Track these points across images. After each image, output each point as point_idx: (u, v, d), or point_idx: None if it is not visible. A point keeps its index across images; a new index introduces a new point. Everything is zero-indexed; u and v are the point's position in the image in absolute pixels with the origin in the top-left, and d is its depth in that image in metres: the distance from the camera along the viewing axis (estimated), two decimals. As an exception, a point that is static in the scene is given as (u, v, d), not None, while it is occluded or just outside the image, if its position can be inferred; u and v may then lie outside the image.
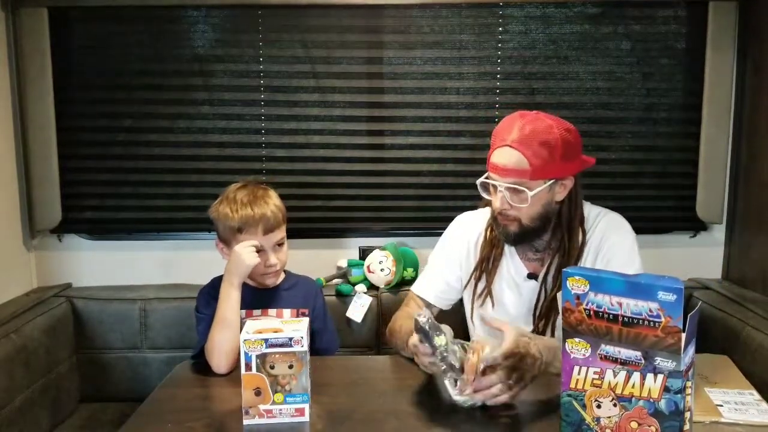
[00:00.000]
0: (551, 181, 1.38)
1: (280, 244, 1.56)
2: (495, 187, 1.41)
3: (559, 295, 1.41)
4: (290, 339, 1.13)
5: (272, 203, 1.54)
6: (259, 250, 1.50)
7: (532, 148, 1.34)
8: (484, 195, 1.44)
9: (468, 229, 1.62)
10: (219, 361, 1.39)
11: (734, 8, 2.01)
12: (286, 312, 1.59)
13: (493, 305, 1.55)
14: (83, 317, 2.02)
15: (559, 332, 1.42)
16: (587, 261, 1.48)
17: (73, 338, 2.01)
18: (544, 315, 1.48)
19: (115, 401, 2.00)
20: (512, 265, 1.54)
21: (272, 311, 1.59)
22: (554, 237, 1.48)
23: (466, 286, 1.60)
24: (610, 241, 1.47)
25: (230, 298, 1.45)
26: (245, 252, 1.45)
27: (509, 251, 1.55)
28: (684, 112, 2.12)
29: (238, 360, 1.28)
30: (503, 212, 1.42)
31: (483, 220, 1.59)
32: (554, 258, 1.48)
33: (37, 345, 1.82)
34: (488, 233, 1.56)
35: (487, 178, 1.42)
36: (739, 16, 2.01)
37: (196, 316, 1.54)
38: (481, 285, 1.56)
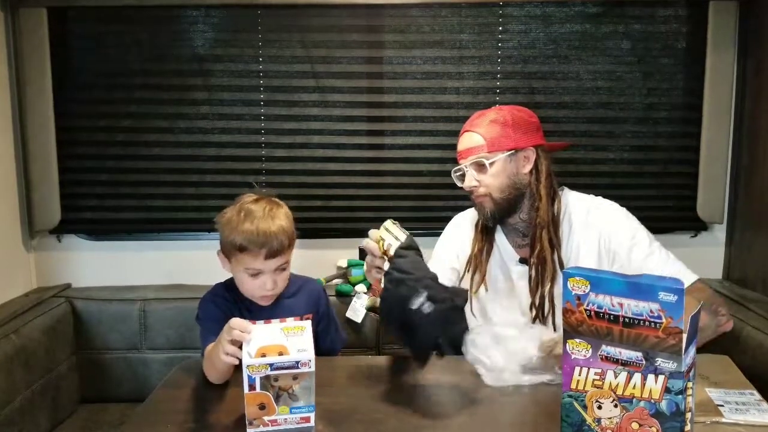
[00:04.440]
0: (510, 152, 1.49)
1: (282, 269, 1.45)
2: (464, 172, 1.53)
3: (558, 290, 1.47)
4: (297, 362, 1.08)
5: (281, 225, 1.42)
6: (257, 273, 1.41)
7: (483, 127, 1.50)
8: (460, 184, 1.55)
9: (462, 227, 1.68)
10: (213, 380, 1.33)
11: (734, 8, 2.01)
12: (290, 321, 1.56)
13: (486, 289, 1.58)
14: (83, 317, 2.02)
15: (558, 301, 1.48)
16: (580, 242, 1.52)
17: (73, 338, 2.01)
18: (536, 288, 1.51)
19: (115, 401, 2.00)
20: (504, 252, 1.59)
21: (275, 321, 1.56)
22: (535, 218, 1.53)
23: (461, 279, 1.63)
24: (607, 228, 1.51)
25: (216, 350, 1.24)
26: (222, 348, 1.18)
27: (500, 240, 1.59)
28: (684, 112, 2.12)
29: (227, 377, 1.30)
30: (474, 191, 1.52)
31: (475, 217, 1.64)
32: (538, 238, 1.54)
33: (37, 345, 1.82)
34: (478, 227, 1.62)
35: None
36: (739, 16, 2.01)
37: (199, 322, 1.49)
38: (477, 276, 1.60)
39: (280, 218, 1.42)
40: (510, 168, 1.50)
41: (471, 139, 1.50)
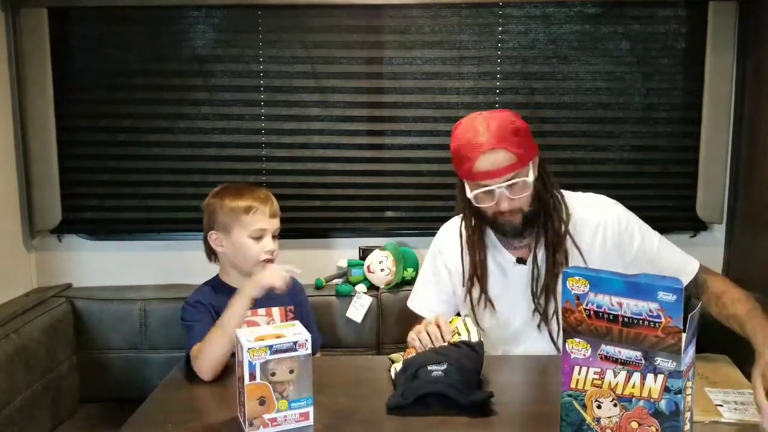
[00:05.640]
0: (531, 162, 1.44)
1: (276, 235, 1.59)
2: (491, 192, 1.42)
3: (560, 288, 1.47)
4: (295, 343, 1.11)
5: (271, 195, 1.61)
6: (260, 237, 1.55)
7: (507, 141, 1.38)
8: (482, 205, 1.46)
9: (449, 239, 1.65)
10: (209, 367, 1.35)
11: (734, 8, 2.01)
12: (275, 310, 1.59)
13: (494, 309, 1.57)
14: (83, 317, 2.02)
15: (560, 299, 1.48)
16: (580, 239, 1.52)
17: (73, 338, 2.01)
18: (543, 290, 1.52)
19: (115, 401, 2.00)
20: (500, 256, 1.58)
21: (261, 311, 1.58)
22: (538, 219, 1.51)
23: (465, 298, 1.61)
24: (612, 222, 1.53)
25: (236, 306, 1.40)
26: (277, 271, 1.44)
27: (493, 247, 1.58)
28: (684, 112, 2.12)
29: (222, 367, 1.33)
30: (507, 210, 1.44)
31: (458, 227, 1.62)
32: (540, 238, 1.52)
33: (37, 345, 1.82)
34: (468, 239, 1.58)
35: (477, 188, 1.43)
36: (739, 16, 2.01)
37: (185, 325, 1.52)
38: (476, 291, 1.58)
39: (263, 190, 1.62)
40: (532, 177, 1.45)
41: (501, 155, 1.38)
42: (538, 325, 1.54)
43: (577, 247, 1.52)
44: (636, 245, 1.51)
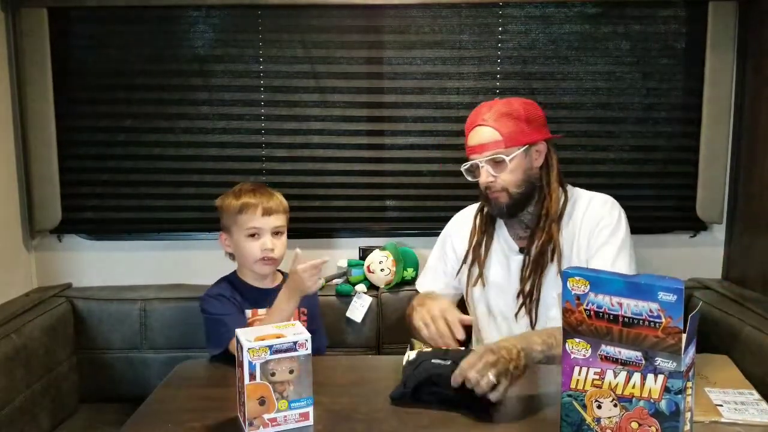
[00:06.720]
0: (524, 147, 1.49)
1: (278, 233, 1.60)
2: (477, 166, 1.51)
3: (553, 284, 1.50)
4: (295, 343, 1.11)
5: (276, 195, 1.63)
6: (256, 235, 1.56)
7: (499, 121, 1.48)
8: (471, 178, 1.55)
9: (461, 223, 1.70)
10: None
11: (734, 8, 2.01)
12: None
13: (484, 285, 1.61)
14: (83, 317, 2.02)
15: (545, 290, 1.51)
16: (572, 235, 1.54)
17: (73, 338, 2.01)
18: (528, 276, 1.54)
19: (115, 401, 2.00)
20: (504, 244, 1.61)
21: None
22: (529, 205, 1.55)
23: (458, 273, 1.66)
24: (592, 221, 1.53)
25: (282, 310, 1.47)
26: (307, 274, 1.45)
27: (500, 232, 1.61)
28: (684, 112, 2.12)
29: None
30: (490, 186, 1.51)
31: (473, 213, 1.67)
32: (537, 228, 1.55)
33: (37, 345, 1.82)
34: (478, 220, 1.64)
35: (467, 162, 1.54)
36: (739, 16, 2.01)
37: (211, 317, 1.53)
38: (475, 270, 1.62)
39: (274, 192, 1.64)
40: (525, 163, 1.51)
41: (485, 133, 1.48)
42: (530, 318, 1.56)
43: (578, 243, 1.53)
44: (593, 250, 1.51)
